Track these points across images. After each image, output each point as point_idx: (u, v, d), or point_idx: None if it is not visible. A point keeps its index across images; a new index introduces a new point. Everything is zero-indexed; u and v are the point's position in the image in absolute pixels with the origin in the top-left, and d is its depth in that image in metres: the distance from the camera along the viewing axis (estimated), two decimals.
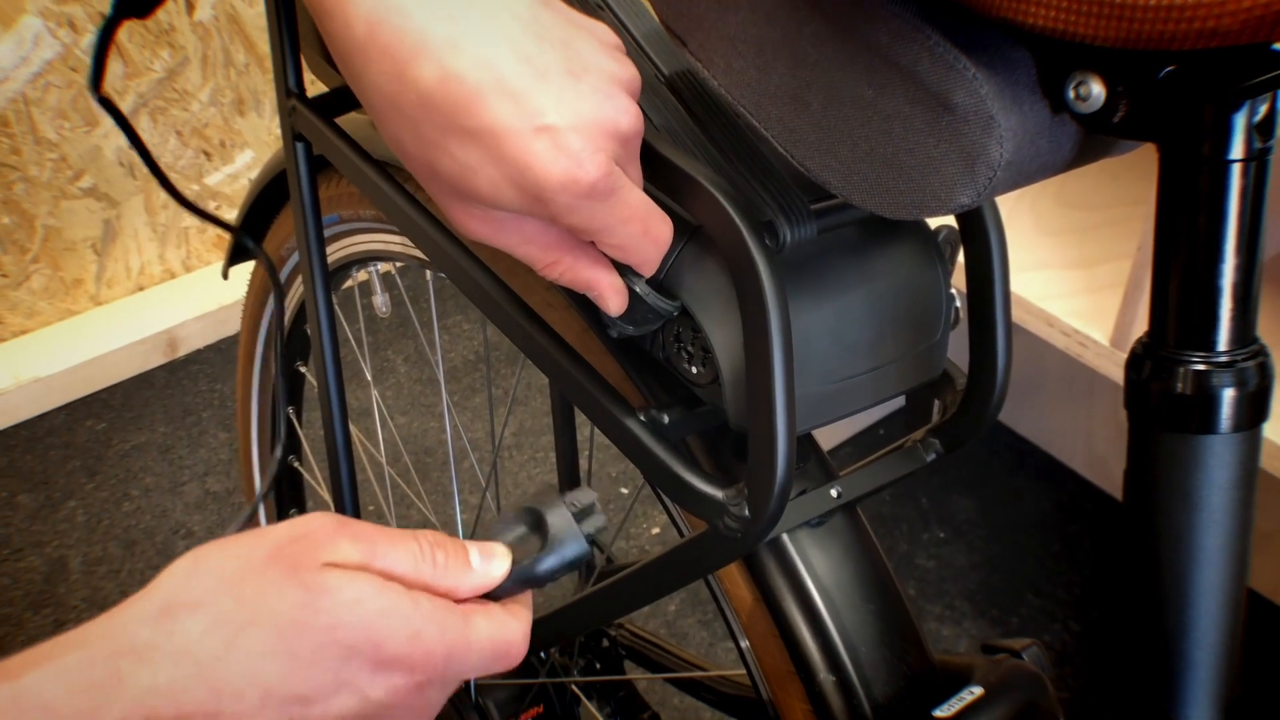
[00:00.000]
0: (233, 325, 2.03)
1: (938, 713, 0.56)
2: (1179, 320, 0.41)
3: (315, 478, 1.13)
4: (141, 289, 2.03)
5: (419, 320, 1.85)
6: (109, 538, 1.71)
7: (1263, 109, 0.39)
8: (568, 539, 0.48)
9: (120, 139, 1.87)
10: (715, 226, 0.48)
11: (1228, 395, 0.41)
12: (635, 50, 0.54)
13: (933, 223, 0.59)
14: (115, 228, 1.94)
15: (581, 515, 0.48)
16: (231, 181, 2.03)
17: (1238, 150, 0.39)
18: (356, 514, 0.81)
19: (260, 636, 0.40)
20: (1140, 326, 1.02)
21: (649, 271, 0.50)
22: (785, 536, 0.60)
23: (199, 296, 2.02)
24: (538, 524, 0.49)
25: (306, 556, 0.43)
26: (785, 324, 0.48)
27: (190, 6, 1.84)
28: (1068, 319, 1.06)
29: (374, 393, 1.06)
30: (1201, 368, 0.41)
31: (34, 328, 1.94)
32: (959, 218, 0.57)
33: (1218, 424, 0.41)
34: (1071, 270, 1.11)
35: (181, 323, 1.98)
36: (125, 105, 1.85)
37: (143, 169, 1.92)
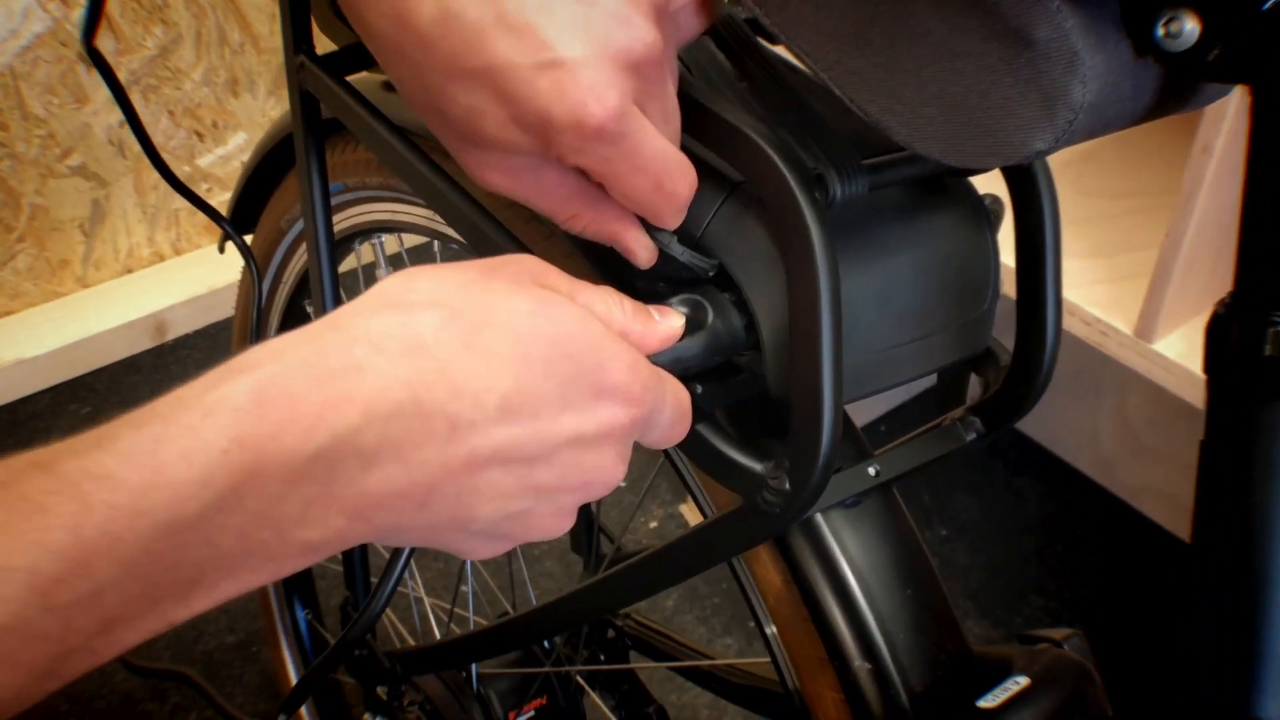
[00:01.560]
0: (223, 310, 1.99)
1: (981, 703, 0.53)
2: (1272, 277, 0.38)
3: None
4: (130, 271, 1.99)
5: None
6: None
7: None
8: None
9: (111, 116, 1.83)
10: (761, 180, 0.45)
11: None
12: None
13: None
14: (104, 208, 1.90)
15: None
16: (224, 163, 1.99)
17: None
18: None
19: (496, 338, 0.38)
20: (1169, 318, 0.99)
21: (668, 225, 0.47)
22: (819, 516, 0.57)
23: (189, 280, 1.98)
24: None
25: (524, 276, 0.41)
26: (835, 284, 0.45)
27: None
28: (1089, 308, 1.03)
29: None
30: None
31: (18, 309, 1.90)
32: (1010, 181, 0.54)
33: None
34: (1092, 259, 1.09)
35: (170, 306, 1.94)
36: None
37: (133, 148, 1.87)
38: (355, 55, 0.72)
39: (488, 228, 0.58)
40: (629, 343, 0.43)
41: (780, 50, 0.50)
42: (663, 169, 0.44)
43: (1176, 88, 0.41)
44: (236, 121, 1.97)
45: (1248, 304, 0.40)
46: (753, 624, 1.55)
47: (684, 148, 0.46)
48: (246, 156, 2.00)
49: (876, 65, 0.41)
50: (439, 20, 0.41)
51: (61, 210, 1.86)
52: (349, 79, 0.68)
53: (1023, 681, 0.54)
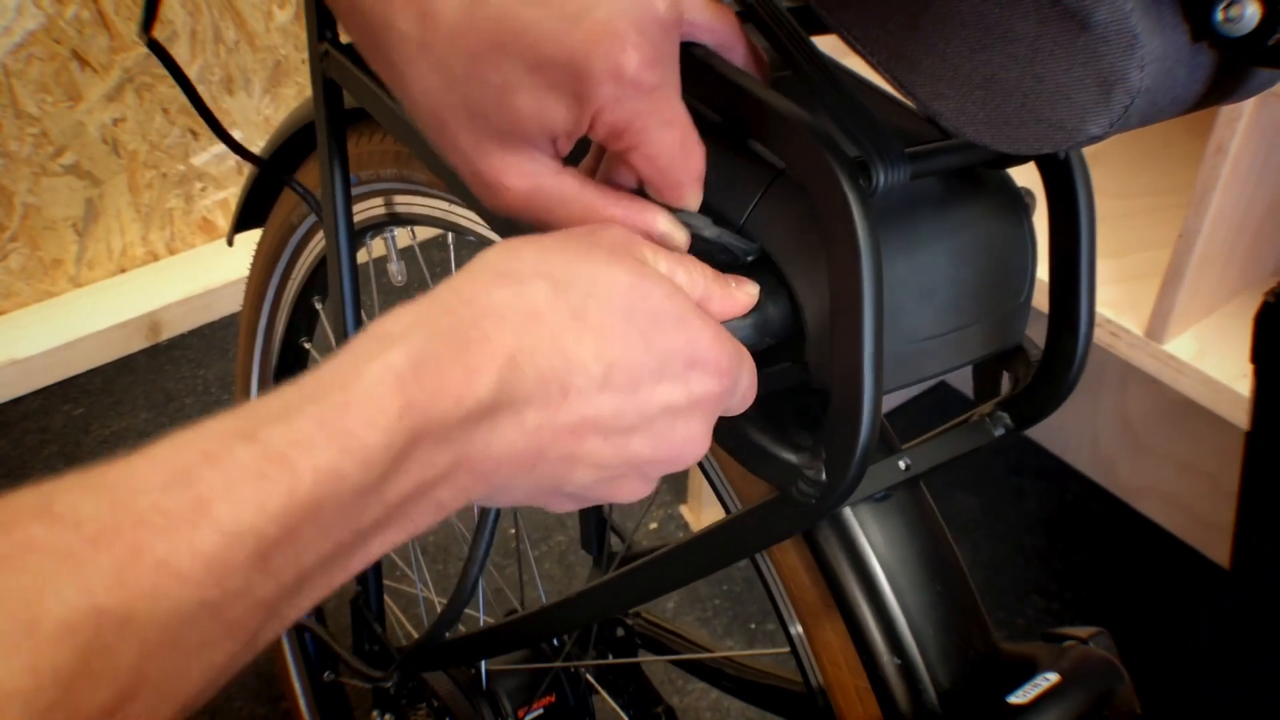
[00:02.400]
0: (218, 310, 1.98)
1: (1012, 699, 0.52)
2: None
3: None
4: (123, 270, 1.97)
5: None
6: None
7: None
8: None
9: (104, 114, 1.81)
10: (805, 167, 0.45)
11: None
12: None
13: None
14: (97, 207, 1.89)
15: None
16: (218, 162, 1.98)
17: None
18: None
19: (602, 309, 0.40)
20: (1180, 318, 0.99)
21: (688, 197, 0.47)
22: (847, 510, 0.56)
23: (183, 279, 1.97)
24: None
25: (620, 247, 0.42)
26: (877, 271, 0.44)
27: None
28: (1101, 308, 1.03)
29: None
30: None
31: (10, 309, 1.88)
32: (1045, 174, 0.54)
33: None
34: (1103, 259, 1.08)
35: (164, 306, 1.93)
36: (111, 80, 1.80)
37: (127, 146, 1.86)
38: None
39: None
40: (710, 310, 0.45)
41: (824, 41, 0.49)
42: (687, 125, 0.45)
43: (1228, 75, 0.41)
44: (231, 120, 1.96)
45: None
46: (754, 625, 1.54)
47: (724, 134, 0.46)
48: (239, 157, 1.99)
49: (927, 49, 0.41)
50: (466, 6, 0.42)
51: (54, 209, 1.84)
52: None
53: (1052, 678, 0.54)
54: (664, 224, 0.47)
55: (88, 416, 1.83)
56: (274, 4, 1.90)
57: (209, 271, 1.98)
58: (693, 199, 0.47)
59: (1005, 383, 0.60)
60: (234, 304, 1.98)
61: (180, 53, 1.84)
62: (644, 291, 0.41)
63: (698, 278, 0.45)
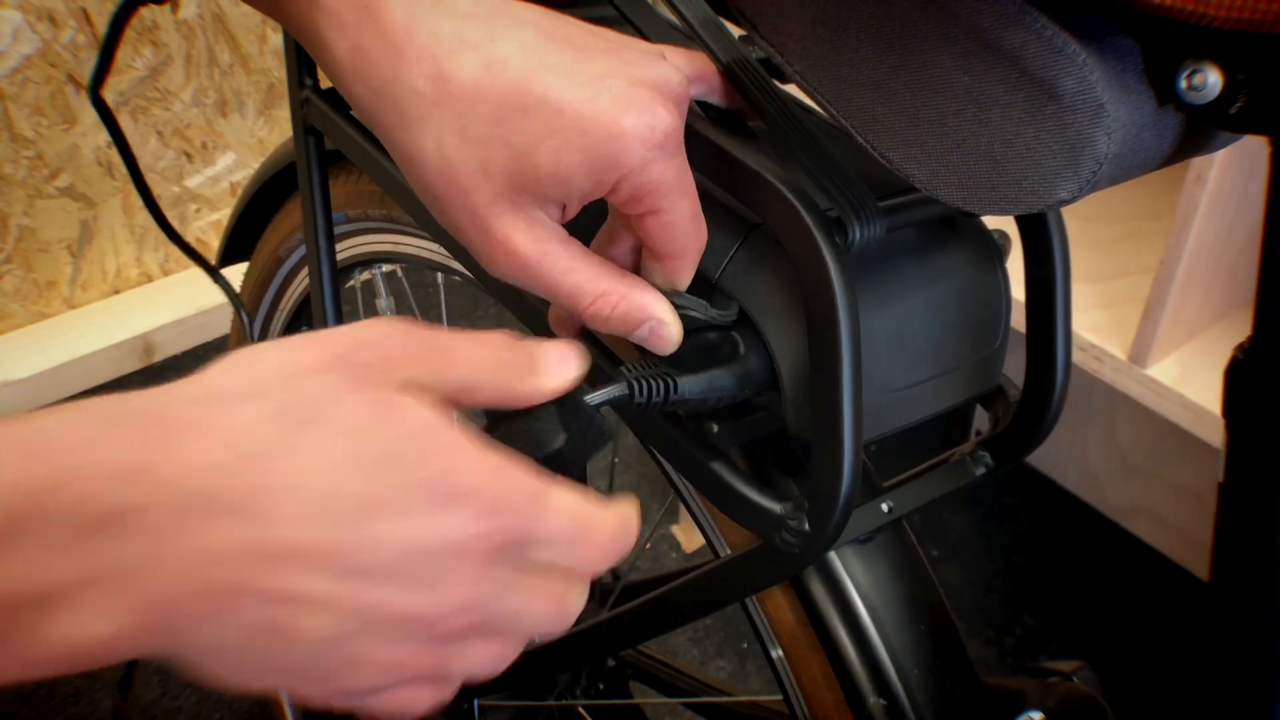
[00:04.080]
0: (212, 331, 1.98)
1: None
2: None
3: None
4: (117, 292, 1.97)
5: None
6: None
7: None
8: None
9: (99, 137, 1.82)
10: (780, 223, 0.46)
11: None
12: (691, 36, 0.51)
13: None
14: (92, 229, 1.89)
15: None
16: (213, 184, 1.99)
17: None
18: None
19: (320, 439, 0.34)
20: (1163, 343, 1.00)
21: (686, 275, 0.47)
22: (833, 554, 0.57)
23: (176, 301, 1.97)
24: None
25: (374, 371, 0.37)
26: (854, 326, 0.45)
27: (175, 4, 1.80)
28: (1084, 333, 1.04)
29: None
30: None
31: (5, 330, 1.88)
32: (1021, 222, 0.55)
33: None
34: (1086, 284, 1.09)
35: (158, 327, 1.93)
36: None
37: (122, 169, 1.87)
38: None
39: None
40: (518, 396, 0.40)
41: (792, 89, 0.50)
42: (697, 197, 0.45)
43: (1193, 136, 0.42)
44: (225, 142, 1.96)
45: (1267, 351, 0.40)
46: (745, 645, 1.55)
47: (701, 189, 0.47)
48: (236, 177, 2.00)
49: (899, 113, 0.42)
50: (485, 68, 0.42)
51: (49, 231, 1.85)
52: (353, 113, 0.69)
53: (1037, 717, 0.54)
54: (660, 310, 0.47)
55: None
56: (268, 28, 1.91)
57: (202, 293, 1.98)
58: (689, 275, 0.47)
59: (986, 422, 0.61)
60: (227, 326, 1.99)
61: (175, 76, 1.85)
62: (387, 423, 0.35)
63: (488, 371, 0.39)
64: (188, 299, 1.97)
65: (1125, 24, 0.38)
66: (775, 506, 0.49)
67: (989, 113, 0.40)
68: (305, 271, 0.96)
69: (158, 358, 1.95)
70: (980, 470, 0.59)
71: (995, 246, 0.55)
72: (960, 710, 0.57)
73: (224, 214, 2.02)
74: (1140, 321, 0.99)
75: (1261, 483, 0.41)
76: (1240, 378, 0.41)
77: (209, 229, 2.03)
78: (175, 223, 1.97)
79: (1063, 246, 0.54)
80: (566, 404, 0.42)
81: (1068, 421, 1.64)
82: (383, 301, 0.90)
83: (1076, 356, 1.08)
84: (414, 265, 0.84)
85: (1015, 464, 0.59)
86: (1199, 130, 0.42)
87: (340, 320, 0.77)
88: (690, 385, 0.47)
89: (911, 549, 0.60)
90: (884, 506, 0.56)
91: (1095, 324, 1.05)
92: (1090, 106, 0.38)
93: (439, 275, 0.81)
